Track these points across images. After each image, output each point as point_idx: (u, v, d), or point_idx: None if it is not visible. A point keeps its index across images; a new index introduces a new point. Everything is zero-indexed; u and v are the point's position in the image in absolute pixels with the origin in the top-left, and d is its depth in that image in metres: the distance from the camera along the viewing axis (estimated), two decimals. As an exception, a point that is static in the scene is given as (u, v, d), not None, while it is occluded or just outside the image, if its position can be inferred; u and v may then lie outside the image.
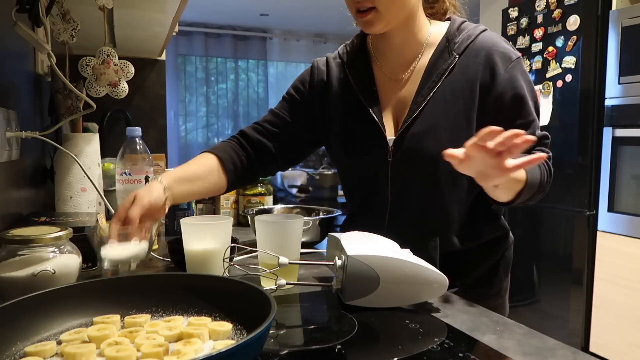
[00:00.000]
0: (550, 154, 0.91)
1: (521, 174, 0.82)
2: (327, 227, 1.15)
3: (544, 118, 2.59)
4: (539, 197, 0.90)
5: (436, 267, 0.83)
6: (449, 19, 1.00)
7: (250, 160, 1.05)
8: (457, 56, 0.92)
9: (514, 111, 0.90)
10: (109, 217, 1.36)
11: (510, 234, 1.06)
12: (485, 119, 0.88)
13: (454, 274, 0.85)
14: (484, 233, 0.99)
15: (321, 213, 1.24)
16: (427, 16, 0.98)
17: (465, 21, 0.98)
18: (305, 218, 1.04)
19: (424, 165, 0.92)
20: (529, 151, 0.85)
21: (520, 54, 0.95)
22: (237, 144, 1.06)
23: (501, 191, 0.82)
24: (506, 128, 0.71)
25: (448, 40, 0.94)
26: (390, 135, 0.95)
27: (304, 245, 1.05)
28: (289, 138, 1.07)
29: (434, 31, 0.97)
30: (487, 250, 1.00)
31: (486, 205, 0.97)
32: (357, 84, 1.00)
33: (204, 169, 0.99)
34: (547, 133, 0.93)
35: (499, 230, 1.02)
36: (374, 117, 0.95)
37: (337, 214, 1.21)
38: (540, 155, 0.67)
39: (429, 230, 0.95)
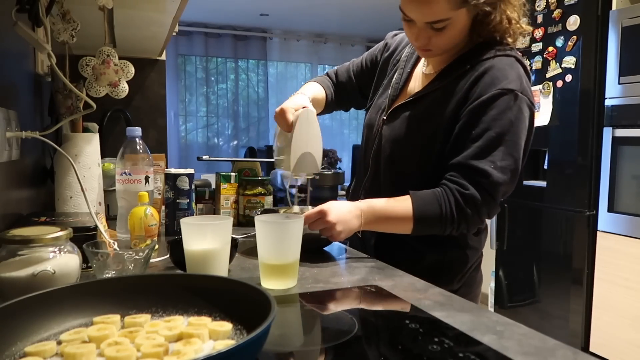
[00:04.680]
0: (471, 191, 0.93)
1: (396, 212, 0.97)
2: None
3: (544, 118, 2.59)
4: (450, 227, 0.96)
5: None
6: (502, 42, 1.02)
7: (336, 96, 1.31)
8: (468, 66, 0.99)
9: (463, 132, 0.96)
10: (109, 217, 1.36)
11: (477, 252, 1.09)
12: (454, 127, 0.98)
13: (393, 257, 1.01)
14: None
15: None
16: (481, 38, 1.02)
17: (503, 43, 1.01)
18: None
19: (398, 142, 1.06)
20: (436, 183, 0.97)
21: (516, 90, 0.93)
22: (330, 82, 1.32)
23: (384, 229, 1.01)
24: (454, 141, 0.96)
25: (472, 53, 1.00)
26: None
27: (311, 247, 1.05)
28: (348, 93, 1.32)
29: (471, 48, 1.02)
30: (432, 247, 1.03)
31: None
32: (403, 65, 1.15)
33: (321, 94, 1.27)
34: (487, 170, 0.92)
35: (454, 238, 1.03)
36: (389, 92, 1.13)
37: None
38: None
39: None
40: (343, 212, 0.99)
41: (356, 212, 0.99)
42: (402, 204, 0.97)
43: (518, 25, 1.01)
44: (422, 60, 1.13)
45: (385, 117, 1.10)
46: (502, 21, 0.98)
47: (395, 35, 1.25)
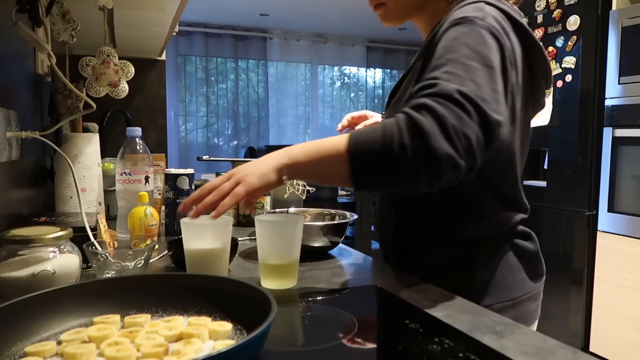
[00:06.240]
0: (421, 100, 0.66)
1: (325, 143, 0.71)
2: (340, 232, 1.08)
3: (544, 118, 2.59)
4: (400, 153, 0.64)
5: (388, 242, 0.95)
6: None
7: None
8: (438, 27, 0.83)
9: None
10: (109, 217, 1.36)
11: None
12: None
13: (406, 255, 0.93)
14: (444, 223, 0.89)
15: (337, 217, 1.16)
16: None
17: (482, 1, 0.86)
18: (319, 223, 1.05)
19: None
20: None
21: (469, 17, 0.76)
22: None
23: (314, 168, 0.73)
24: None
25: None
26: None
27: (317, 250, 1.06)
28: None
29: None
30: (446, 240, 0.89)
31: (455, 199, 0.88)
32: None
33: None
34: (436, 76, 0.69)
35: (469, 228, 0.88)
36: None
37: (353, 218, 1.13)
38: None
39: (393, 202, 0.94)
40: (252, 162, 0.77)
41: (273, 155, 0.75)
42: (336, 138, 0.72)
43: None
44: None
45: (384, 113, 1.04)
46: None
47: None
